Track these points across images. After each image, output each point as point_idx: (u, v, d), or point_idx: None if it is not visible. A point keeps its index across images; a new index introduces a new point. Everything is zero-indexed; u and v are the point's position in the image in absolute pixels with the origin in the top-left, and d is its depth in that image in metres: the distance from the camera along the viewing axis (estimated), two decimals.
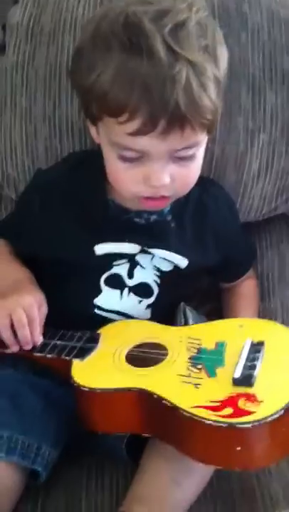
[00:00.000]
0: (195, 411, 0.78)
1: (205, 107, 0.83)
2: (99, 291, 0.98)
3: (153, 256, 0.98)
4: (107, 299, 0.98)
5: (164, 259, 0.98)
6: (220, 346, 0.89)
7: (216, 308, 1.12)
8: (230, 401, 0.79)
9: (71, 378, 0.86)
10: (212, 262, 1.03)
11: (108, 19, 0.85)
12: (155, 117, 0.81)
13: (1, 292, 0.94)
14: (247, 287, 1.13)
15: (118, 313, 0.99)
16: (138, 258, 0.98)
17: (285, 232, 1.17)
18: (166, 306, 1.01)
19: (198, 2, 0.88)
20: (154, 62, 0.81)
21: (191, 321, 1.02)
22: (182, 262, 0.99)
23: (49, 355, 0.91)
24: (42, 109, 1.02)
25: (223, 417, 0.77)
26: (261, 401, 0.79)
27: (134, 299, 0.99)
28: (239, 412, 0.78)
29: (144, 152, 0.86)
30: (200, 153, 0.90)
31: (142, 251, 0.98)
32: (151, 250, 0.97)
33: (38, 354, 0.91)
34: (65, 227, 0.97)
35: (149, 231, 0.98)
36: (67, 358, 0.89)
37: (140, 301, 1.00)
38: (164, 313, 1.00)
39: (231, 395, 0.80)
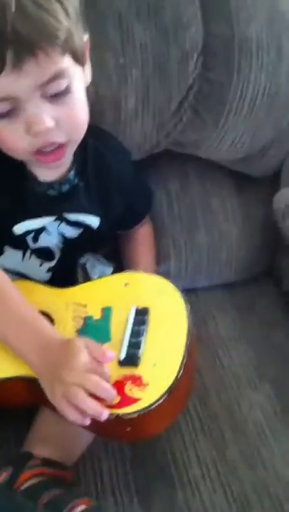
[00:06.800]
0: None
1: (49, 25, 0.77)
2: (1, 252, 0.97)
3: (60, 223, 0.97)
4: (9, 259, 0.97)
5: (77, 221, 0.97)
6: (106, 313, 0.90)
7: (113, 251, 1.12)
8: (118, 387, 0.80)
9: None
10: (118, 213, 1.02)
11: None
12: None
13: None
14: (144, 232, 1.13)
15: (19, 274, 0.98)
16: (46, 224, 0.96)
17: (170, 169, 1.18)
18: (68, 269, 1.01)
19: None
20: None
21: (94, 276, 1.03)
22: (94, 221, 0.98)
23: None
24: None
25: (111, 407, 0.78)
26: (146, 384, 0.81)
27: (35, 261, 0.99)
28: (126, 401, 0.79)
29: (9, 98, 0.80)
30: (76, 87, 0.84)
31: (56, 219, 0.96)
32: (65, 215, 0.96)
33: None
34: None
35: (63, 200, 0.96)
36: None
37: (41, 264, 1.00)
38: (65, 275, 1.00)
39: (118, 379, 0.82)
